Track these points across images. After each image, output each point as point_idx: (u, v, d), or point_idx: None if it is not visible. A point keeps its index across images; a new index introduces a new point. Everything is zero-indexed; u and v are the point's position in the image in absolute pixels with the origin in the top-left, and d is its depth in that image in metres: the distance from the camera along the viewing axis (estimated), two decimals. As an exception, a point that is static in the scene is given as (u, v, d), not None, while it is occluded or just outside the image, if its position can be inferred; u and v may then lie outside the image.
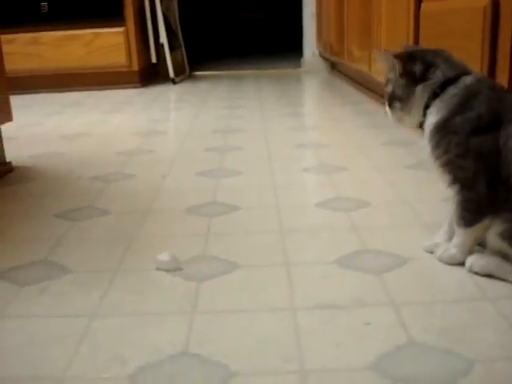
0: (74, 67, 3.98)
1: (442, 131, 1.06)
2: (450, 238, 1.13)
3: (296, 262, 1.17)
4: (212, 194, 1.63)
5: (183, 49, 4.71)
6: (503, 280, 1.04)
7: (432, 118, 1.07)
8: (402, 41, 2.25)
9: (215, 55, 6.29)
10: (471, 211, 1.06)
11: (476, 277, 1.06)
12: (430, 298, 1.01)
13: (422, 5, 2.05)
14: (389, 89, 1.14)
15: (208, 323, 0.96)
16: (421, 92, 1.09)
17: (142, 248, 1.27)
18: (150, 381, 0.81)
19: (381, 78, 2.68)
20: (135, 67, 4.04)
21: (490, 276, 1.06)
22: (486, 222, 1.05)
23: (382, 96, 2.91)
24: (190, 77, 4.66)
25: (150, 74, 4.34)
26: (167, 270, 1.14)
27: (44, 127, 2.78)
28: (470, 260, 1.08)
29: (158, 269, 1.15)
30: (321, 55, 4.68)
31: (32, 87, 3.93)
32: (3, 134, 2.01)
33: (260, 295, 1.04)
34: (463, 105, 1.04)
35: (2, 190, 1.75)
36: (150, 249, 1.25)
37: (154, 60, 4.26)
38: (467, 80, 1.06)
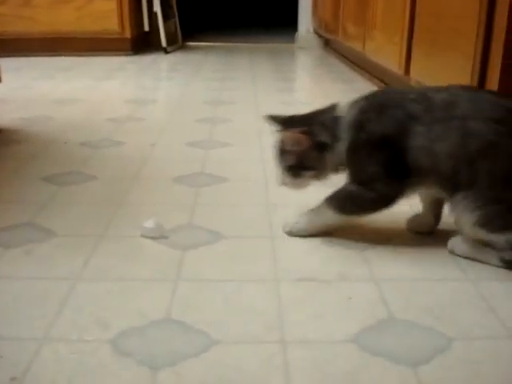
0: (66, 31, 3.91)
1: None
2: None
3: (281, 236, 1.17)
4: (200, 164, 1.62)
5: (177, 18, 4.65)
6: (484, 263, 1.05)
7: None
8: (398, 19, 2.24)
9: (209, 27, 6.23)
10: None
11: (458, 258, 1.08)
12: (411, 275, 1.02)
13: (420, -17, 2.04)
14: (289, 161, 1.17)
15: (191, 291, 0.96)
16: (333, 156, 1.13)
17: (127, 214, 1.27)
18: (131, 345, 0.82)
19: (374, 58, 2.68)
20: (127, 34, 3.99)
21: (471, 258, 1.07)
22: None
23: (374, 76, 2.90)
24: (183, 47, 4.62)
25: (143, 43, 4.29)
26: (152, 238, 1.14)
27: (34, 91, 2.75)
28: (452, 243, 1.09)
29: (142, 236, 1.15)
30: (315, 31, 4.64)
31: (22, 50, 3.87)
32: (-8, 95, 1.99)
33: (244, 266, 1.05)
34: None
35: (-12, 152, 1.73)
36: (135, 216, 1.25)
37: (146, 28, 4.21)
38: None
